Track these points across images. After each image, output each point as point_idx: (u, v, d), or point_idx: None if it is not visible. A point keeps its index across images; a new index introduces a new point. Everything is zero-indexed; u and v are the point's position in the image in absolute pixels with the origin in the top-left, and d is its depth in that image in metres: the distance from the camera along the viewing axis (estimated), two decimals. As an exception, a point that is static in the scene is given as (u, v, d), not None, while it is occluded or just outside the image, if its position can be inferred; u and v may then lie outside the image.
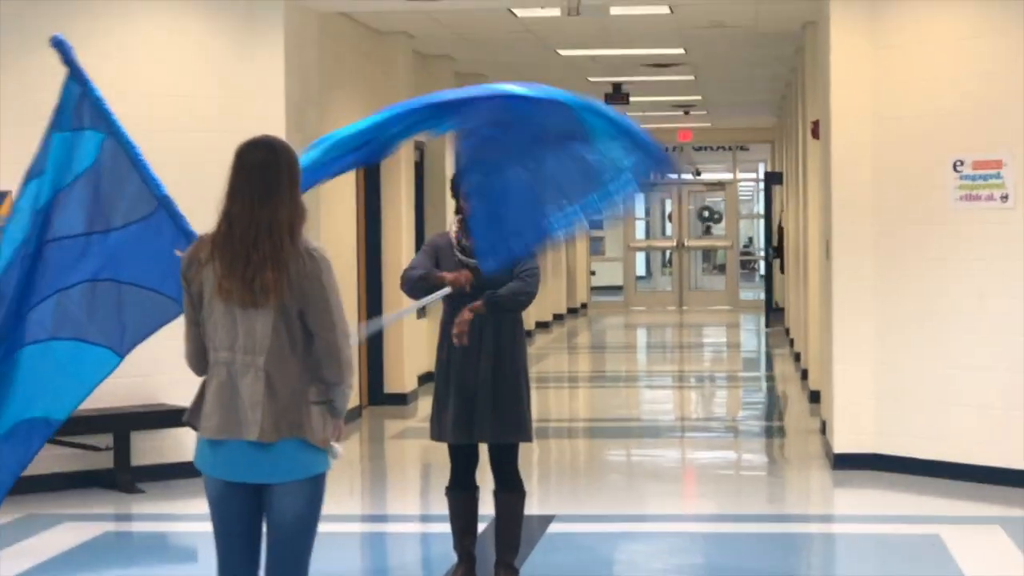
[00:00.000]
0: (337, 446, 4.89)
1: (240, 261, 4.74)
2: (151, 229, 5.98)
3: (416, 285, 6.97)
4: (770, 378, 18.22)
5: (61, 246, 6.03)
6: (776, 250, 25.61)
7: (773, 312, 26.02)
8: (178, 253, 5.01)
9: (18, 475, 6.08)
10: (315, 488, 4.85)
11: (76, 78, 6.10)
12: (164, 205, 5.93)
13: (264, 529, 4.90)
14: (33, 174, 6.07)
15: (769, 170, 30.94)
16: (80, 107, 6.05)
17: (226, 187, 4.83)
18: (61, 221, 6.03)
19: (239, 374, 4.77)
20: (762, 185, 29.86)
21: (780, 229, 25.34)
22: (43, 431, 6.08)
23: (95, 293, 6.05)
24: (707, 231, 35.79)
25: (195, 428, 4.89)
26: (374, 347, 14.78)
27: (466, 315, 6.80)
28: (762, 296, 28.07)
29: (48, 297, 6.01)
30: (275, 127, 10.32)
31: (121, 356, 6.09)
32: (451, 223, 7.20)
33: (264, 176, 4.79)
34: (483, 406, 6.92)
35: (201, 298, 4.83)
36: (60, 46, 6.17)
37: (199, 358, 4.91)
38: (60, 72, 10.11)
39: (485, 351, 6.90)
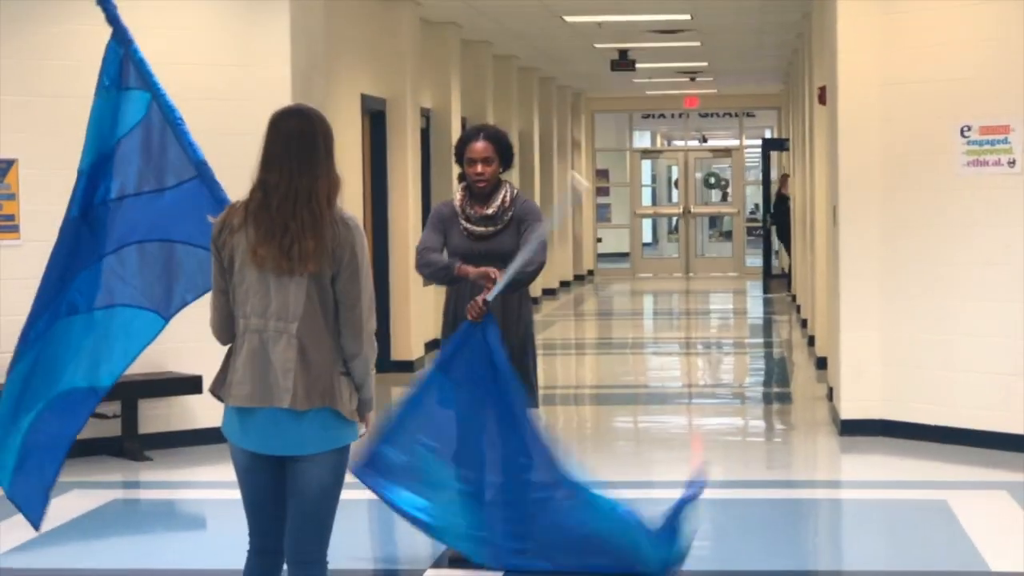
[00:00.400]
0: (362, 426, 4.92)
1: (278, 229, 4.72)
2: (203, 189, 5.97)
3: (439, 273, 6.95)
4: (777, 344, 18.22)
5: (108, 208, 6.00)
6: (773, 216, 25.67)
7: (773, 278, 26.05)
8: (210, 219, 5.00)
9: (68, 447, 6.07)
10: (340, 459, 4.86)
11: (119, 38, 6.06)
12: (200, 171, 5.90)
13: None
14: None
15: (774, 136, 30.94)
16: (125, 67, 6.01)
17: (260, 155, 4.80)
18: (109, 182, 5.99)
19: (271, 341, 4.75)
20: (760, 152, 29.81)
21: (778, 195, 25.40)
22: (90, 400, 6.06)
23: (143, 256, 6.01)
24: (724, 198, 35.72)
25: (220, 398, 4.88)
26: (380, 314, 14.74)
27: (480, 302, 6.74)
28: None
29: (93, 264, 5.98)
30: (282, 95, 10.30)
31: (167, 319, 6.06)
32: (456, 191, 7.18)
33: (301, 145, 4.77)
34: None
35: (232, 264, 4.81)
36: (104, 4, 6.12)
37: (225, 326, 4.89)
38: (61, 41, 10.17)
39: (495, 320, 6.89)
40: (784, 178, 26.63)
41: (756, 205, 36.18)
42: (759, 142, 36.34)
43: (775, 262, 27.59)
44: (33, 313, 6.01)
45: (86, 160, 5.99)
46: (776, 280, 26.27)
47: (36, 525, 6.14)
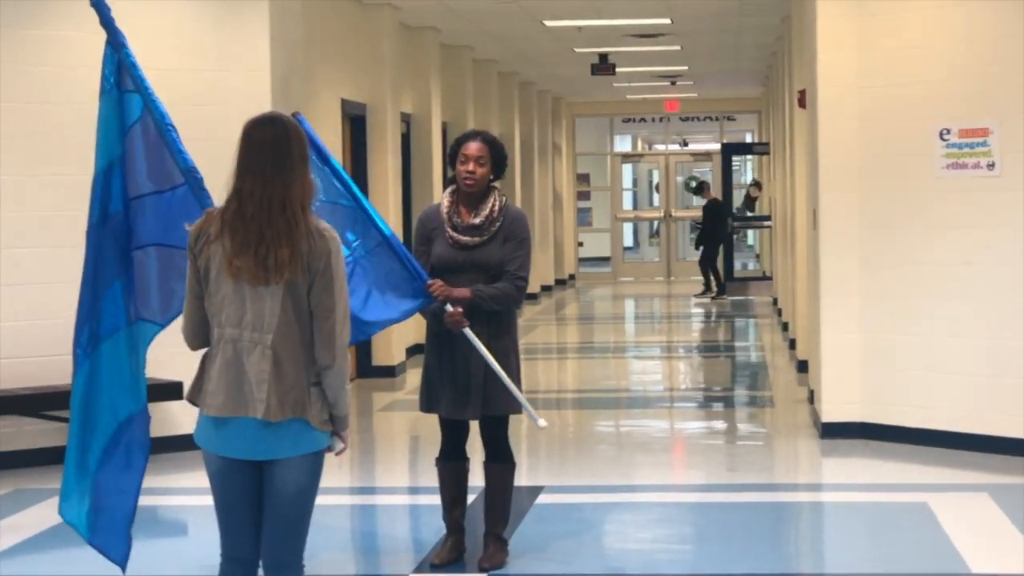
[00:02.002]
0: (339, 443, 4.92)
1: (253, 238, 4.73)
2: (191, 196, 5.92)
3: (425, 315, 6.97)
4: (758, 348, 18.24)
5: (122, 214, 5.92)
6: (702, 224, 25.79)
7: (732, 282, 26.12)
8: (187, 227, 4.98)
9: (141, 479, 5.98)
10: (316, 462, 4.88)
11: (112, 42, 6.03)
12: (188, 179, 5.85)
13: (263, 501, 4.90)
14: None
15: (755, 140, 30.94)
16: (122, 70, 5.99)
17: (234, 165, 4.81)
18: (121, 186, 5.92)
19: (245, 351, 4.77)
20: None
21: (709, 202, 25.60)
22: (145, 421, 5.96)
23: (148, 260, 5.95)
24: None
25: (196, 405, 4.88)
26: (362, 320, 14.76)
27: (458, 312, 6.75)
28: (751, 266, 28.11)
29: (121, 276, 5.91)
30: (261, 100, 10.30)
31: (163, 324, 5.98)
32: (444, 196, 7.14)
33: (275, 152, 4.78)
34: (475, 382, 6.91)
35: (207, 273, 4.82)
36: (99, 6, 6.08)
37: (197, 331, 4.90)
38: (40, 46, 10.14)
39: (476, 325, 6.88)
40: (701, 185, 26.92)
41: (737, 208, 36.26)
42: (734, 145, 36.34)
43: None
44: (77, 325, 5.92)
45: (99, 164, 5.94)
46: (728, 283, 26.30)
47: (123, 566, 5.99)
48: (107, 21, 6.05)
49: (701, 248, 25.99)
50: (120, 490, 5.95)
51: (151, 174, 5.93)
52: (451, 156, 7.09)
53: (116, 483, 5.95)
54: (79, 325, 5.92)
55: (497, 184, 7.12)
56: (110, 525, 5.96)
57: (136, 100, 5.97)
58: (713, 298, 25.24)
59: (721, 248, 26.18)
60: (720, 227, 26.04)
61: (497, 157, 7.02)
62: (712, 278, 25.62)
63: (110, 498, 5.96)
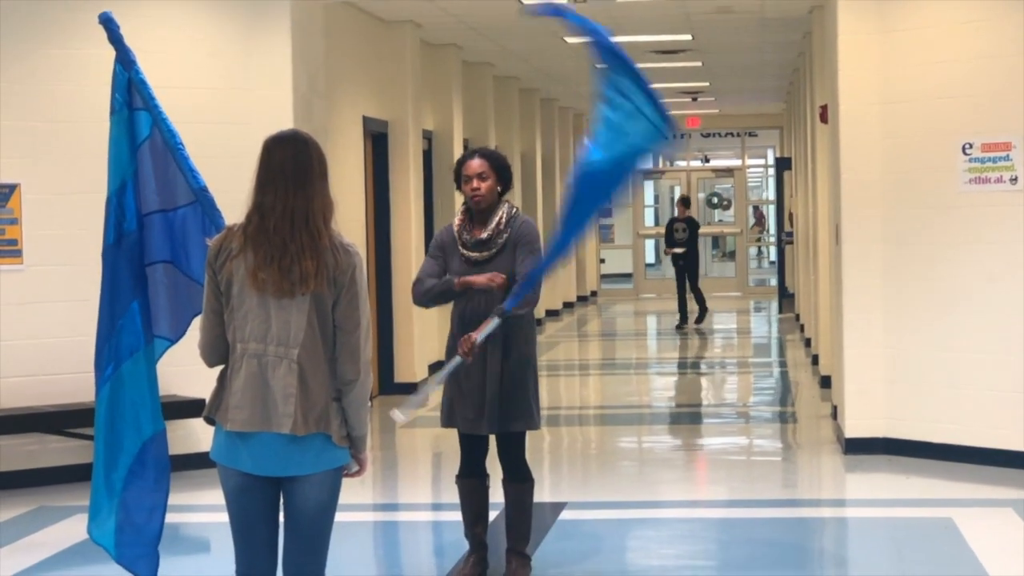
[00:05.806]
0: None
1: (277, 251, 4.74)
2: (196, 215, 5.96)
3: (439, 294, 6.94)
4: (781, 364, 18.21)
5: (136, 232, 5.96)
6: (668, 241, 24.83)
7: (787, 298, 25.77)
8: (208, 241, 5.00)
9: (167, 497, 6.02)
10: (336, 477, 4.87)
11: (122, 60, 6.04)
12: (200, 198, 5.87)
13: (281, 518, 4.90)
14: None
15: (778, 156, 30.89)
16: (131, 89, 6.01)
17: (254, 180, 4.82)
18: (134, 205, 5.96)
19: (270, 366, 4.76)
20: (772, 171, 29.53)
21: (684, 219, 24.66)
22: (164, 441, 6.02)
23: (155, 277, 6.00)
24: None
25: (212, 422, 4.88)
26: (384, 337, 14.79)
27: (472, 339, 6.71)
28: (772, 282, 27.95)
29: (138, 296, 5.94)
30: (283, 119, 10.31)
31: (174, 340, 6.03)
32: (457, 214, 7.15)
33: (296, 167, 4.80)
34: (491, 397, 6.89)
35: (229, 288, 4.82)
36: (108, 24, 6.08)
37: (215, 347, 4.89)
38: (63, 64, 10.19)
39: (495, 342, 6.87)
40: (683, 200, 26.05)
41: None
42: (761, 162, 36.24)
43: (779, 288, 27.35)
44: (97, 347, 5.98)
45: (112, 185, 5.98)
46: (790, 300, 25.88)
47: None
48: (116, 38, 6.06)
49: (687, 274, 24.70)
50: (148, 508, 6.01)
51: (159, 192, 5.97)
52: (456, 177, 7.08)
53: (143, 501, 6.01)
54: (99, 346, 5.96)
55: (507, 197, 7.11)
56: (138, 542, 6.00)
57: (146, 117, 6.00)
58: (681, 328, 24.05)
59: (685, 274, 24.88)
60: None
61: (499, 169, 7.01)
62: (699, 303, 24.37)
63: (138, 516, 6.00)
